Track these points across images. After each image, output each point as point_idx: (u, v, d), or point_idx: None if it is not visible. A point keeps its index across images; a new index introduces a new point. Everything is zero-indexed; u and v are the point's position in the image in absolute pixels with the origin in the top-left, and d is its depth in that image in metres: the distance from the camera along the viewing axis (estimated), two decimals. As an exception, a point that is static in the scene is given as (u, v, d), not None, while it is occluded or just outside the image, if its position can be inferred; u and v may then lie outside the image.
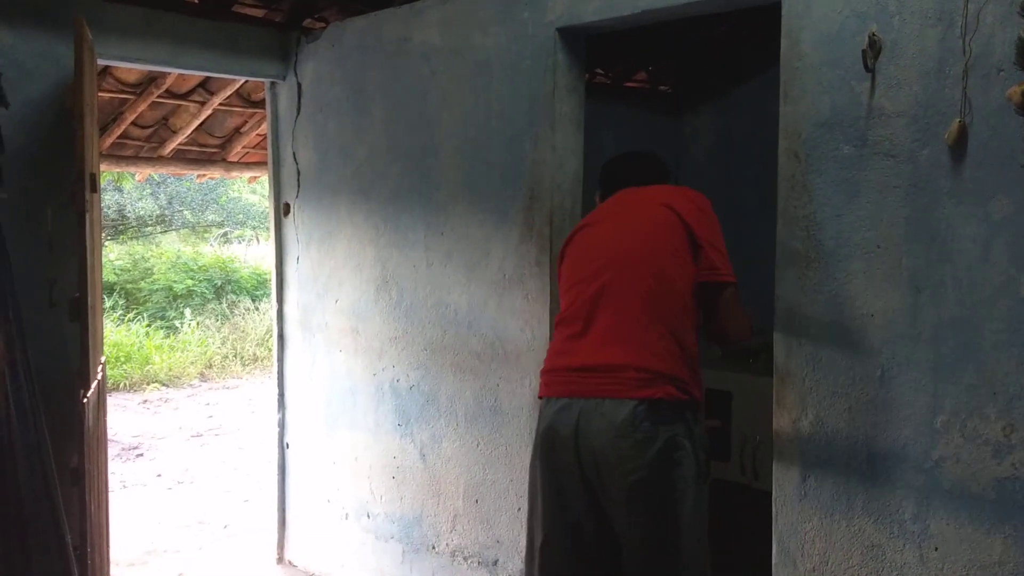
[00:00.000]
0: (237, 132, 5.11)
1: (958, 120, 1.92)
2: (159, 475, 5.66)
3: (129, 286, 10.83)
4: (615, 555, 2.15)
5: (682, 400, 2.10)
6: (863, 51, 2.04)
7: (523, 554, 2.43)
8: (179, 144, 4.88)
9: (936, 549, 2.01)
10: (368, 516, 3.52)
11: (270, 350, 8.68)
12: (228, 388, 8.59)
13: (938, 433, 1.99)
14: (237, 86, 4.46)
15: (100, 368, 2.90)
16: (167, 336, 9.65)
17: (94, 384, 2.73)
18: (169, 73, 3.98)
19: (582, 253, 2.30)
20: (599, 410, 2.09)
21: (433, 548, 3.26)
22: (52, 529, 2.63)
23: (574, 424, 2.11)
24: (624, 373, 2.09)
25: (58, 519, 2.64)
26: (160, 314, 10.38)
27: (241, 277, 11.60)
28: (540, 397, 2.26)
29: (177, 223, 14.32)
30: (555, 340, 2.29)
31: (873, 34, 2.04)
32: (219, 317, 10.26)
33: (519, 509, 2.93)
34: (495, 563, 3.03)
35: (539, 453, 2.21)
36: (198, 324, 9.99)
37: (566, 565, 2.18)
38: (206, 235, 14.61)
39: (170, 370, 8.72)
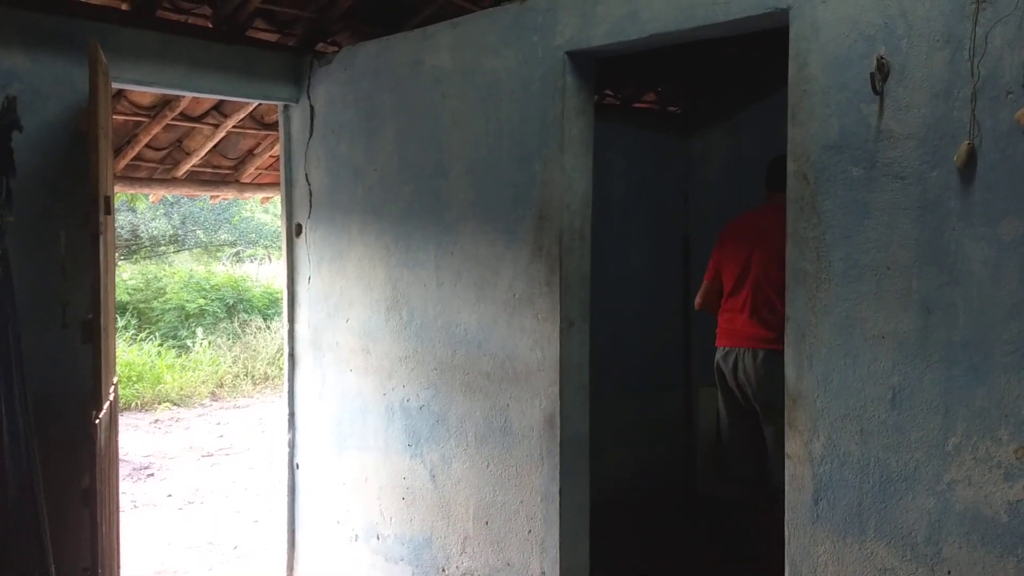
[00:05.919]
0: (250, 154, 5.16)
1: (967, 142, 1.92)
2: (170, 495, 5.67)
3: (142, 305, 10.89)
4: (755, 418, 3.55)
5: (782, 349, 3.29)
6: (871, 74, 2.05)
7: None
8: (193, 166, 4.92)
9: (949, 572, 1.99)
10: (378, 538, 3.51)
11: (281, 369, 8.69)
12: (239, 407, 8.61)
13: (950, 456, 1.98)
14: (251, 109, 4.50)
15: (112, 389, 2.91)
16: (179, 355, 9.68)
17: (106, 405, 2.74)
18: (183, 96, 4.03)
19: (736, 250, 3.55)
20: (748, 355, 3.49)
21: (443, 571, 3.25)
22: (36, 564, 2.53)
23: (734, 361, 3.55)
24: (760, 334, 3.44)
25: (44, 552, 2.55)
26: (172, 333, 10.43)
27: (253, 296, 11.65)
28: (718, 346, 3.66)
29: (190, 243, 14.41)
30: (724, 310, 3.63)
31: (881, 57, 2.05)
32: (231, 336, 10.30)
33: (529, 531, 2.92)
34: (505, 585, 3.02)
35: (720, 376, 3.65)
36: (210, 343, 10.03)
37: (735, 424, 3.66)
38: (219, 254, 14.69)
39: (181, 389, 8.75)
